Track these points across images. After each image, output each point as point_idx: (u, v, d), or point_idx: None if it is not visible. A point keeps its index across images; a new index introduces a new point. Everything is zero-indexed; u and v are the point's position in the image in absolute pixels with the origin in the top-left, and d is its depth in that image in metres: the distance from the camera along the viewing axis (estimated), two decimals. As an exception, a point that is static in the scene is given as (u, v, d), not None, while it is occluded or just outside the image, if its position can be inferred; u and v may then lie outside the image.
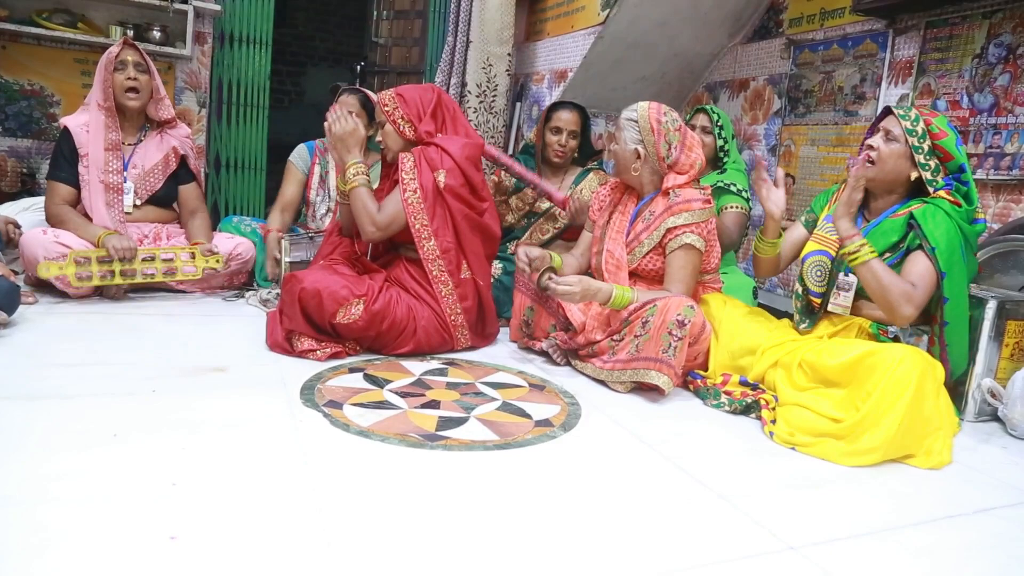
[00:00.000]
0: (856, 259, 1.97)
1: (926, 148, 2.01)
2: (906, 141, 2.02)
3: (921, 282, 1.95)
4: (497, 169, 3.19)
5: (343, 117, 2.39)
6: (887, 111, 2.10)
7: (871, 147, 2.06)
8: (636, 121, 2.32)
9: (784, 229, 2.35)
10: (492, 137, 4.74)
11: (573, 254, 2.56)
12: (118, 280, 2.62)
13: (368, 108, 3.12)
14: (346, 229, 2.54)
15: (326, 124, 2.42)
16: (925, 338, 2.05)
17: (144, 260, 2.67)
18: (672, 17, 3.40)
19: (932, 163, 2.01)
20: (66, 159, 2.76)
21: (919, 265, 1.97)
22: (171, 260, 2.74)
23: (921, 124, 2.01)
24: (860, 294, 2.07)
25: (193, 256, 2.78)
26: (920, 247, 1.97)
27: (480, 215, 2.43)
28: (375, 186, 2.53)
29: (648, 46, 3.54)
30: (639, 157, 2.31)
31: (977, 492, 1.64)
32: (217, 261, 2.80)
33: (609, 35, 3.48)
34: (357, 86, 3.14)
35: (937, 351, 2.02)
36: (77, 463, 1.37)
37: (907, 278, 1.97)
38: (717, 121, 2.98)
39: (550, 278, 2.23)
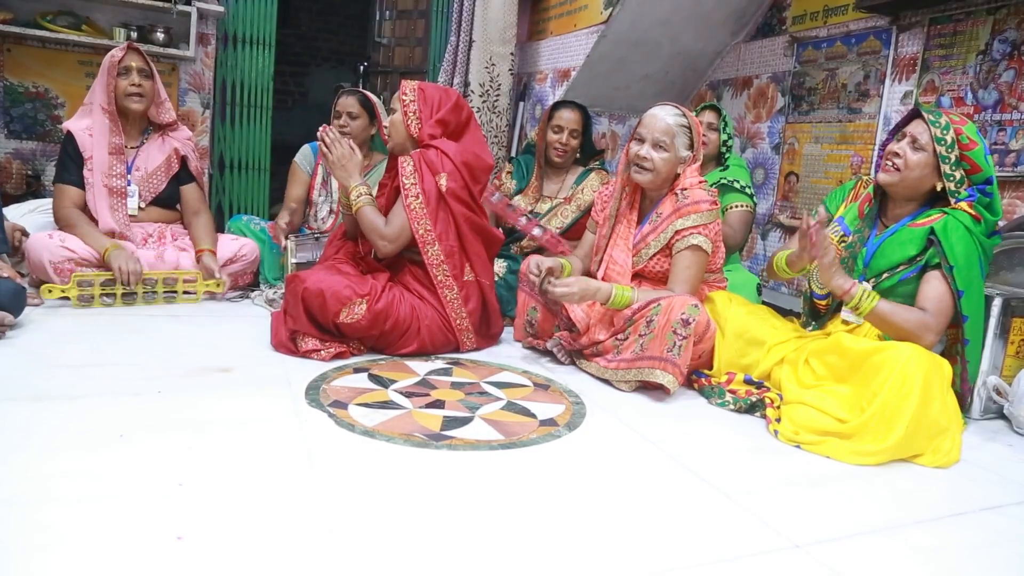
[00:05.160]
0: (862, 311, 1.94)
1: (953, 158, 1.93)
2: (934, 151, 1.94)
3: (936, 307, 1.91)
4: (498, 172, 3.19)
5: (338, 142, 2.38)
6: (914, 114, 2.01)
7: (896, 154, 1.99)
8: (688, 127, 2.28)
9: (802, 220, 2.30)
10: (495, 137, 4.74)
11: (577, 255, 2.56)
12: (119, 303, 2.61)
13: (367, 108, 3.12)
14: (350, 232, 2.54)
15: (320, 146, 2.41)
16: (939, 346, 2.02)
17: (146, 282, 2.67)
18: (675, 16, 3.40)
19: (958, 174, 1.94)
20: (73, 162, 2.77)
21: (936, 289, 1.92)
22: (173, 283, 2.74)
23: (951, 133, 1.93)
24: None
25: (194, 280, 2.78)
26: (938, 265, 1.92)
27: (481, 217, 2.42)
28: (375, 188, 2.53)
29: (651, 45, 3.54)
30: (684, 162, 2.29)
31: (983, 490, 1.63)
32: (218, 285, 2.80)
33: (612, 34, 3.48)
34: (357, 87, 3.13)
35: (959, 370, 1.99)
36: (83, 463, 1.37)
37: (922, 300, 1.93)
38: (724, 118, 2.99)
39: (548, 280, 2.23)
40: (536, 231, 2.89)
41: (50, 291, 2.51)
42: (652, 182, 2.29)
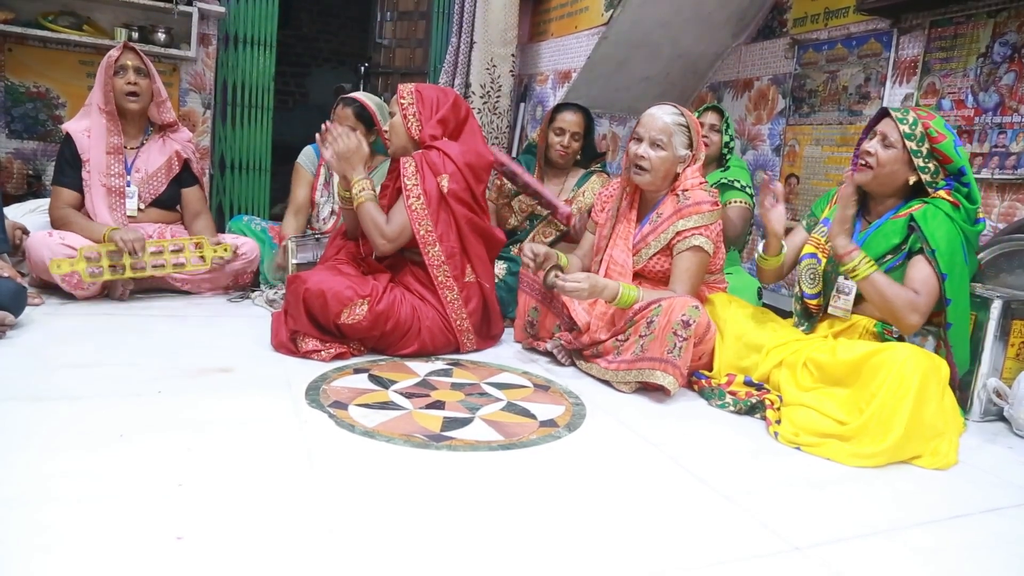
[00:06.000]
0: (856, 275, 1.97)
1: (924, 151, 1.99)
2: (904, 146, 1.99)
3: (924, 288, 1.94)
4: (500, 173, 3.18)
5: (345, 134, 2.35)
6: (883, 113, 2.07)
7: (868, 153, 2.05)
8: (687, 126, 2.28)
9: (789, 231, 2.33)
10: (496, 138, 4.74)
11: (577, 255, 2.56)
12: (129, 274, 2.62)
13: (364, 118, 3.07)
14: (350, 232, 2.54)
15: (319, 137, 2.37)
16: (931, 338, 2.04)
17: (153, 253, 2.68)
18: (675, 17, 3.40)
19: (931, 165, 2.00)
20: (69, 164, 2.77)
21: (921, 271, 1.96)
22: (180, 251, 2.75)
23: (919, 127, 1.98)
24: (861, 296, 2.06)
25: (200, 246, 2.79)
26: (921, 251, 1.96)
27: (482, 218, 2.42)
28: (377, 190, 2.53)
29: (652, 46, 3.54)
30: (683, 161, 2.29)
31: (983, 492, 1.63)
32: (225, 250, 2.81)
33: (613, 35, 3.48)
34: (353, 95, 3.09)
35: (944, 354, 2.00)
36: (83, 463, 1.37)
37: (910, 284, 1.96)
38: (726, 119, 3.00)
39: (557, 275, 2.22)
40: (547, 199, 2.92)
41: (59, 266, 2.51)
42: (651, 183, 2.29)
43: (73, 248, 2.61)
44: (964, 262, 1.97)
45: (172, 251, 2.73)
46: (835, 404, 1.85)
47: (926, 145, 1.98)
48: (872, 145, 2.04)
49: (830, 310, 2.13)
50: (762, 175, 1.99)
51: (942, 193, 1.99)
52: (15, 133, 3.95)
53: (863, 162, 2.06)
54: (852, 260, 1.97)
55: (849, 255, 1.98)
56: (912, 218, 1.98)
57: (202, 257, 2.79)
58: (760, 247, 2.24)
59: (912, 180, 2.02)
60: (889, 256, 2.02)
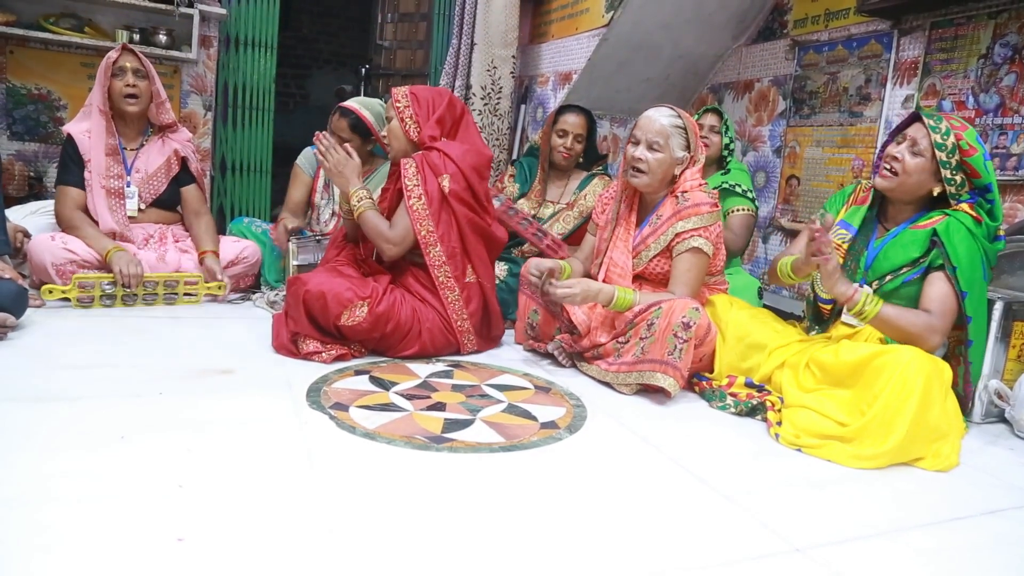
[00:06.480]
0: (865, 316, 1.93)
1: (953, 163, 1.92)
2: (933, 155, 1.92)
3: (941, 308, 1.89)
4: (501, 175, 3.19)
5: (333, 148, 2.38)
6: (915, 117, 2.00)
7: (895, 158, 1.97)
8: (684, 127, 2.28)
9: (806, 225, 2.27)
10: (497, 140, 4.74)
11: (578, 258, 2.56)
12: (118, 305, 2.62)
13: (360, 129, 3.06)
14: (351, 235, 2.54)
15: (317, 154, 2.42)
16: (941, 349, 2.00)
17: (146, 284, 2.67)
18: (676, 19, 3.40)
19: (958, 178, 1.93)
20: (74, 164, 2.77)
21: (940, 290, 1.90)
22: (174, 286, 2.74)
23: (952, 138, 1.91)
24: None
25: (195, 283, 2.78)
26: (941, 267, 1.91)
27: (483, 219, 2.42)
28: (378, 192, 2.53)
29: (652, 48, 3.55)
30: (681, 163, 2.29)
31: (984, 493, 1.63)
32: (220, 287, 2.81)
33: (613, 37, 3.48)
34: (348, 106, 3.08)
35: (962, 371, 1.98)
36: (83, 464, 1.37)
37: (926, 302, 1.92)
38: (725, 121, 2.99)
39: (550, 282, 2.23)
40: (536, 236, 2.90)
41: (51, 291, 2.52)
42: (648, 184, 2.29)
43: (75, 253, 2.61)
44: (983, 280, 1.93)
45: (165, 284, 2.72)
46: (836, 405, 1.84)
47: (956, 157, 1.91)
48: (900, 151, 1.97)
49: (843, 319, 2.08)
50: (814, 223, 1.88)
51: (964, 206, 1.93)
52: (16, 135, 3.95)
53: (888, 167, 2.00)
54: (857, 303, 1.93)
55: (851, 300, 1.93)
56: (935, 232, 1.92)
57: (195, 292, 2.79)
58: (788, 263, 2.15)
59: (936, 191, 1.96)
60: (906, 268, 1.97)
